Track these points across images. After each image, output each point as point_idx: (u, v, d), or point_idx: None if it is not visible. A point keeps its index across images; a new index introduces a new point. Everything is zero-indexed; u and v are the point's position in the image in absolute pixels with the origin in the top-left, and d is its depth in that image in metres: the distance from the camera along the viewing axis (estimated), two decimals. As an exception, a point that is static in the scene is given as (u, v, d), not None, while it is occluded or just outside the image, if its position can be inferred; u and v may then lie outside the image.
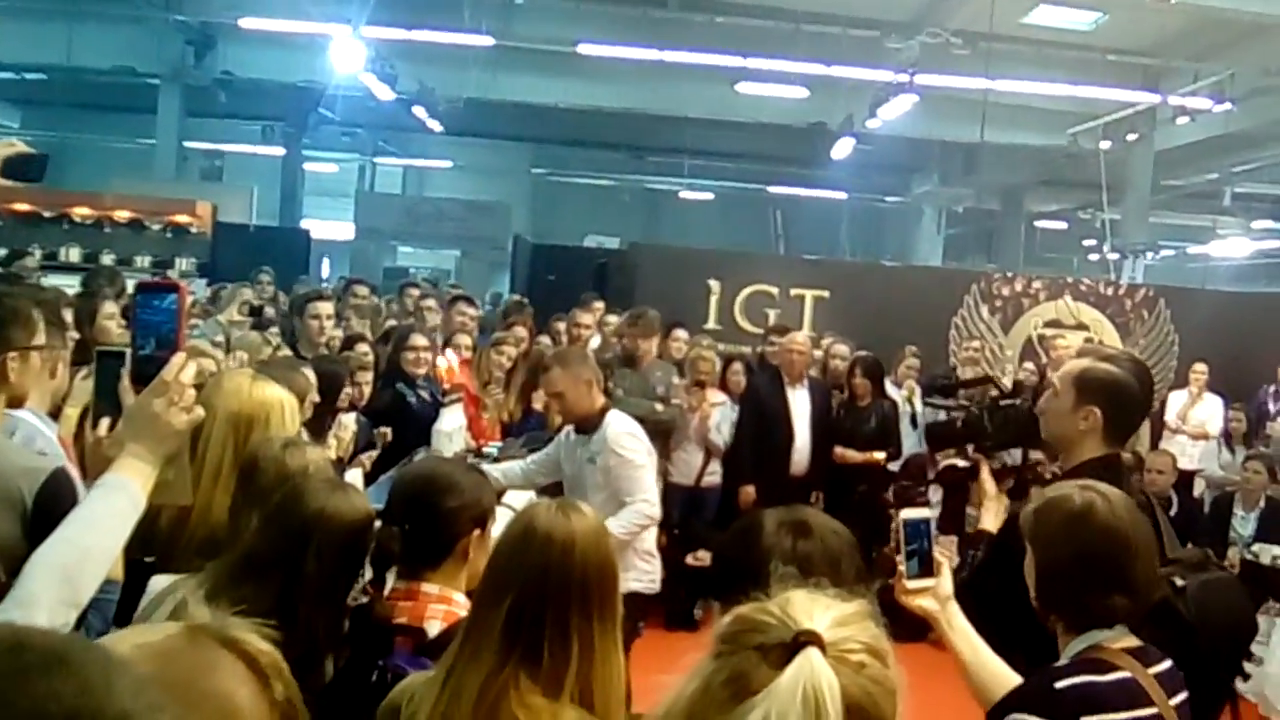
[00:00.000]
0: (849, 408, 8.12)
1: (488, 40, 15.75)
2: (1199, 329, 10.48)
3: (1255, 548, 7.33)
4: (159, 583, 2.54)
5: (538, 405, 6.92)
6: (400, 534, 2.46)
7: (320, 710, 2.12)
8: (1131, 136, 16.89)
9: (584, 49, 16.12)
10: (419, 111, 19.10)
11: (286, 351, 6.07)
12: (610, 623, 2.09)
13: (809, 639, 1.15)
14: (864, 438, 7.97)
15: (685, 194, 27.74)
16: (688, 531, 7.65)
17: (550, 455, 5.19)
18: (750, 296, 10.27)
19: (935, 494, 7.40)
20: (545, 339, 8.42)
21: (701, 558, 7.41)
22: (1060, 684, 2.23)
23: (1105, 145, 16.83)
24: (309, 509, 2.43)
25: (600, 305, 9.42)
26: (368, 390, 6.20)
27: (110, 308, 5.38)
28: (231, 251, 13.77)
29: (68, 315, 3.95)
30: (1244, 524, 7.82)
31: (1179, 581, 2.68)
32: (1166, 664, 2.31)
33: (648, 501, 4.83)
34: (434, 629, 2.37)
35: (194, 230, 13.84)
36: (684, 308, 9.46)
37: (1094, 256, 24.44)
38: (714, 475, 7.99)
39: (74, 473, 2.54)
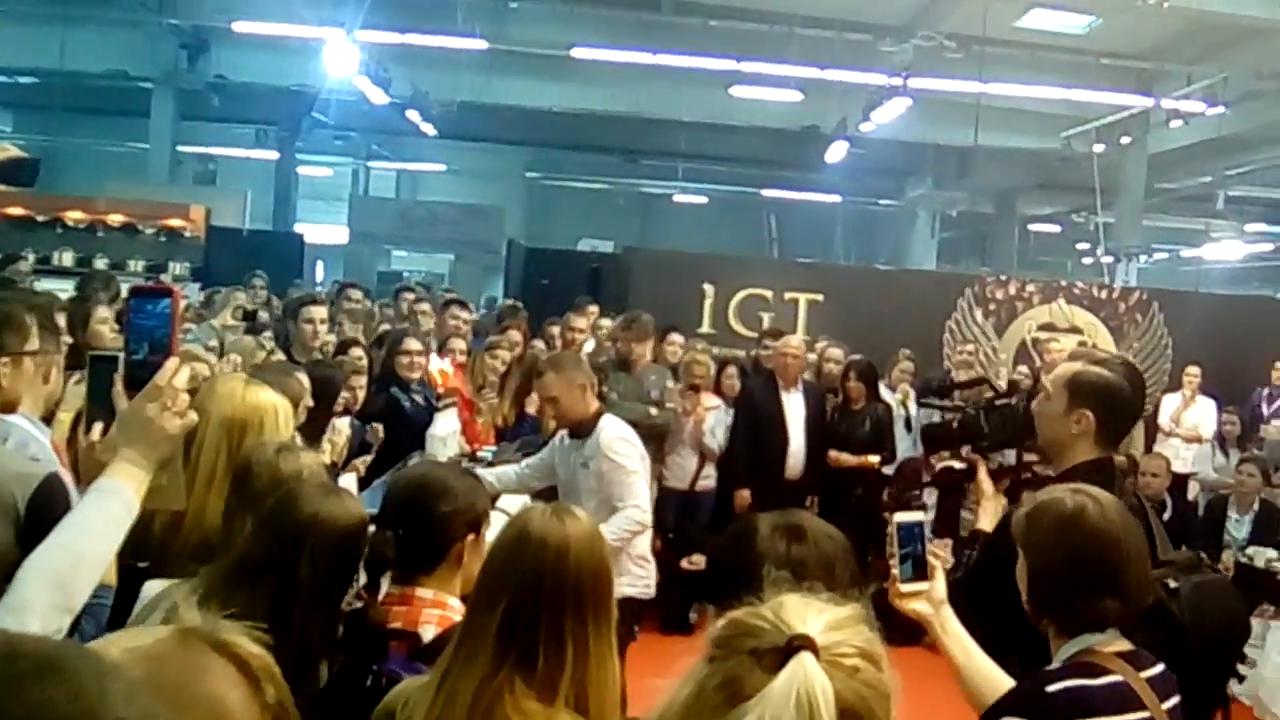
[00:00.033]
0: (843, 411, 8.12)
1: (481, 44, 15.74)
2: (1193, 332, 10.49)
3: (1249, 551, 7.35)
4: (153, 588, 2.53)
5: (532, 409, 6.92)
6: (394, 539, 2.47)
7: (315, 715, 2.12)
8: (1125, 140, 16.92)
9: (578, 52, 16.12)
10: (413, 115, 19.08)
11: (280, 356, 6.06)
12: (605, 627, 2.09)
13: (802, 643, 1.15)
14: (858, 441, 7.97)
15: (679, 198, 27.73)
16: (682, 535, 7.65)
17: (545, 460, 5.19)
18: (744, 300, 10.28)
19: (930, 497, 7.43)
20: (539, 343, 8.41)
21: (696, 562, 7.37)
22: (1052, 687, 2.23)
23: (1099, 149, 16.85)
24: (303, 514, 2.43)
25: (594, 309, 9.42)
26: (362, 394, 6.19)
27: (103, 312, 5.38)
28: (225, 255, 13.76)
29: (60, 320, 3.94)
30: (1238, 527, 7.83)
31: (1172, 583, 2.68)
32: (1159, 668, 2.31)
33: (638, 508, 4.83)
34: (429, 634, 2.37)
35: (187, 234, 13.83)
36: (678, 311, 9.47)
37: (1088, 260, 24.49)
38: (708, 479, 7.99)
39: (67, 478, 2.54)
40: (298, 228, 21.99)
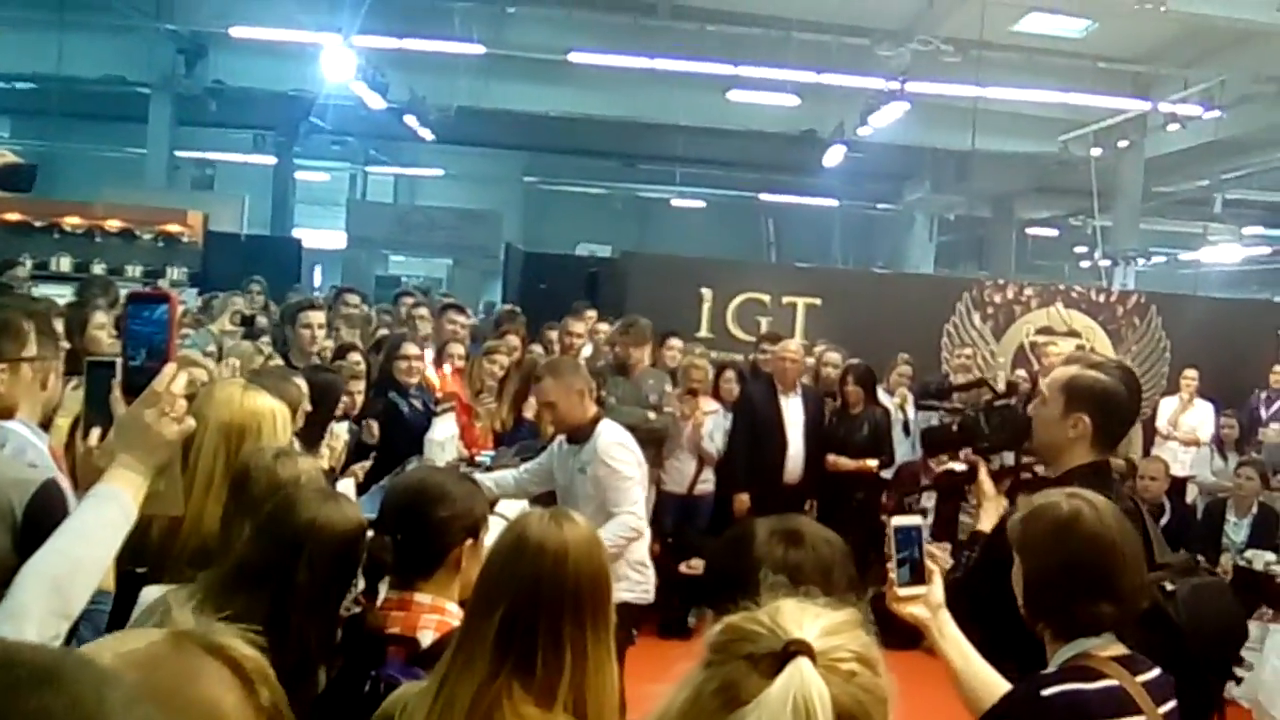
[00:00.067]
0: (841, 416, 8.13)
1: (479, 49, 15.75)
2: (1191, 335, 10.50)
3: (1248, 554, 7.35)
4: (150, 593, 2.53)
5: (530, 414, 6.92)
6: (393, 544, 2.47)
7: (312, 721, 2.12)
8: (1122, 143, 16.94)
9: (575, 57, 16.11)
10: (410, 120, 19.08)
11: (278, 361, 6.06)
12: (603, 632, 2.09)
13: (799, 648, 1.15)
14: (856, 446, 7.97)
15: (677, 202, 27.74)
16: (681, 540, 7.65)
17: (543, 464, 5.20)
18: (742, 304, 10.28)
19: (928, 500, 7.43)
20: (537, 348, 8.40)
21: (695, 566, 7.40)
22: (1047, 691, 2.23)
23: (1096, 152, 16.87)
24: (301, 519, 2.43)
25: (592, 314, 9.41)
26: (360, 399, 6.19)
27: (101, 318, 5.37)
28: (223, 261, 13.73)
29: (58, 325, 3.94)
30: (1237, 530, 7.83)
31: (1169, 586, 2.69)
32: (1155, 672, 2.31)
33: (633, 514, 4.83)
34: (427, 639, 2.37)
35: (185, 239, 13.79)
36: (676, 316, 9.47)
37: (1085, 263, 24.46)
38: (707, 483, 7.99)
39: (65, 484, 2.54)
40: (295, 233, 21.93)
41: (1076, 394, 2.91)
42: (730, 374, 8.26)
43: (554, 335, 8.69)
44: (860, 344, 8.84)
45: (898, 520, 2.47)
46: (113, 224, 13.59)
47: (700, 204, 27.96)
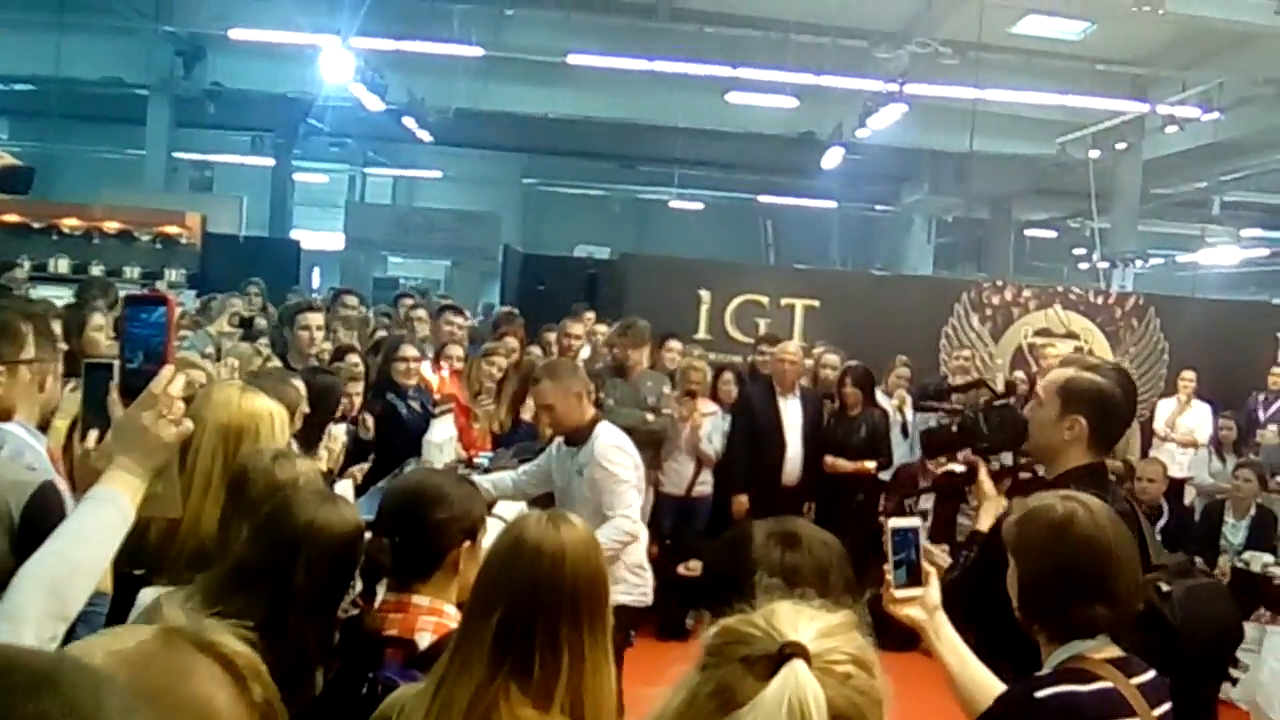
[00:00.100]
0: (839, 417, 8.13)
1: (477, 51, 15.75)
2: (1189, 337, 10.52)
3: (1246, 555, 7.36)
4: (148, 595, 2.53)
5: (528, 415, 6.92)
6: (390, 546, 2.47)
7: (310, 723, 2.12)
8: (1120, 145, 16.94)
9: (574, 59, 16.12)
10: (409, 122, 19.09)
11: (277, 363, 6.06)
12: (601, 634, 2.09)
13: (794, 650, 1.15)
14: (854, 447, 7.97)
15: (675, 204, 27.74)
16: (679, 541, 7.65)
17: (541, 466, 5.19)
18: (740, 306, 10.29)
19: (926, 502, 7.44)
20: (536, 349, 8.41)
21: (693, 568, 7.39)
22: (1041, 694, 2.23)
23: (1094, 154, 16.88)
24: (299, 521, 2.43)
25: (591, 315, 9.41)
26: (358, 401, 6.19)
27: (99, 319, 5.37)
28: (221, 262, 13.72)
29: (56, 327, 3.94)
30: (1235, 532, 7.84)
31: (1164, 587, 2.69)
32: (1149, 674, 2.31)
33: (627, 518, 4.82)
34: (424, 641, 2.37)
35: (183, 241, 13.79)
36: (674, 318, 9.47)
37: (1084, 265, 24.47)
38: (705, 485, 7.99)
39: (63, 486, 2.54)
40: (294, 234, 21.94)
41: (1073, 396, 2.92)
42: (729, 376, 8.26)
43: (552, 337, 8.69)
44: (859, 346, 8.84)
45: (895, 522, 2.48)
46: (111, 226, 13.60)
47: (699, 206, 27.96)
